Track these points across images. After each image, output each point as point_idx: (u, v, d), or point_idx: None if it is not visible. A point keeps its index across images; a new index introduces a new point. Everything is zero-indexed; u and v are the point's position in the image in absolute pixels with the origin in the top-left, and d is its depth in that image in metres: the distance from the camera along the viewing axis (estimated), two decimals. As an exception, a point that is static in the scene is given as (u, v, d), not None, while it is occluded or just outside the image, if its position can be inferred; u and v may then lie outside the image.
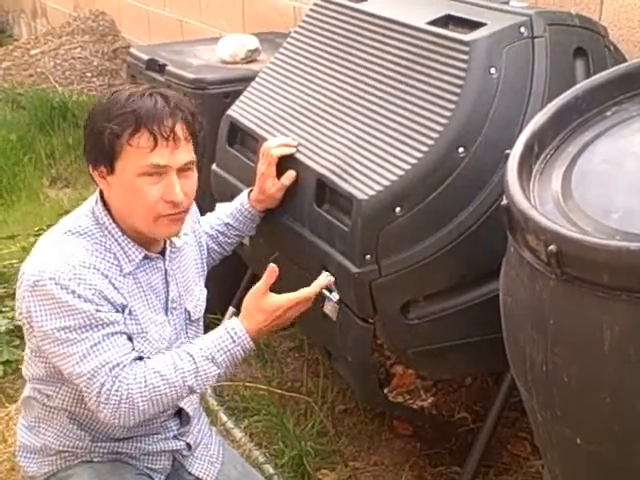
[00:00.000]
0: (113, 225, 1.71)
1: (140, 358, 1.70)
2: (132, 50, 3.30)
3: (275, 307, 1.75)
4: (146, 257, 1.75)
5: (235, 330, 1.71)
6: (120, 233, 1.72)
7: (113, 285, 1.67)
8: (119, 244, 1.71)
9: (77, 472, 1.78)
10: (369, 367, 2.19)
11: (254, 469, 2.07)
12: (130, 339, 1.70)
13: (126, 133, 1.63)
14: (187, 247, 1.89)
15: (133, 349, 1.69)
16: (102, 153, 1.66)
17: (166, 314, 1.80)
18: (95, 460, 1.80)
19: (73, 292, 1.61)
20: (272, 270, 1.77)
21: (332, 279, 1.92)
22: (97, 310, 1.63)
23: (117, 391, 1.63)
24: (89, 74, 5.67)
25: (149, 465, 1.85)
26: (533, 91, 1.91)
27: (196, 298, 1.89)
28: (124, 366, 1.65)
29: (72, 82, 5.64)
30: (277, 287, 2.49)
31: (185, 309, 1.85)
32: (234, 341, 1.70)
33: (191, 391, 1.70)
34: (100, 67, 5.69)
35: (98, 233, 1.71)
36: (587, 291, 1.33)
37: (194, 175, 1.74)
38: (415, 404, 2.29)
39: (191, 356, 1.68)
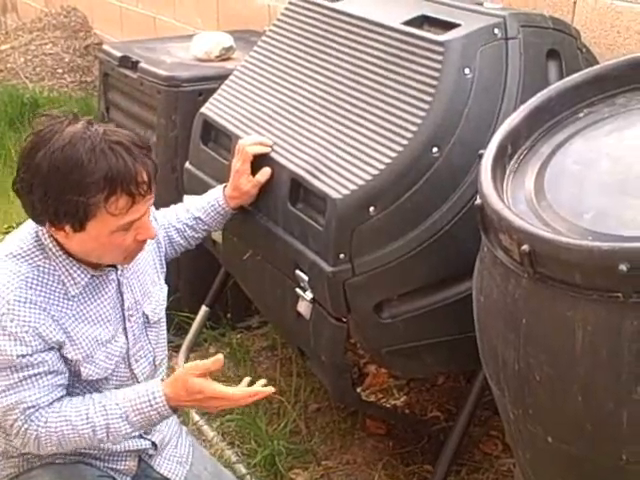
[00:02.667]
0: (57, 248, 1.64)
1: (96, 381, 1.69)
2: (105, 47, 3.27)
3: (197, 390, 1.65)
4: (92, 277, 1.70)
5: (155, 395, 1.65)
6: (64, 257, 1.65)
7: (52, 317, 1.62)
8: (64, 266, 1.65)
9: (39, 474, 1.76)
10: (342, 366, 2.19)
11: (226, 469, 2.06)
12: (60, 373, 1.66)
13: (100, 198, 1.54)
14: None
15: (59, 387, 1.66)
16: (68, 217, 1.56)
17: (123, 323, 1.76)
18: (57, 462, 1.77)
19: (3, 328, 1.57)
20: (218, 361, 1.67)
21: (270, 390, 1.71)
22: (21, 355, 1.59)
23: (27, 430, 1.63)
24: (60, 70, 5.61)
25: (113, 466, 1.82)
26: (507, 92, 1.93)
27: (155, 300, 1.85)
28: (38, 408, 1.63)
29: (43, 78, 5.57)
30: (252, 286, 2.50)
31: (143, 313, 1.81)
32: (151, 405, 1.65)
33: (101, 442, 1.69)
34: (72, 64, 5.63)
35: (41, 255, 1.64)
36: (559, 291, 1.34)
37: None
38: (388, 403, 2.30)
39: (105, 410, 1.65)
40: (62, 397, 1.67)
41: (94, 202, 1.54)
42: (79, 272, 1.67)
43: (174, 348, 2.84)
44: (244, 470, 2.41)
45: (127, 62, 3.00)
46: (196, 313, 2.85)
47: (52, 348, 1.64)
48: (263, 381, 1.71)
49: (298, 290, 2.07)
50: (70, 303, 1.66)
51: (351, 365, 2.22)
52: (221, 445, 2.52)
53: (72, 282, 1.66)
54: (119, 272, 1.75)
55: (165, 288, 1.91)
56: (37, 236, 1.65)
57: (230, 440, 2.56)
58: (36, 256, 1.64)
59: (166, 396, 1.65)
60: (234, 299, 2.97)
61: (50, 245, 1.65)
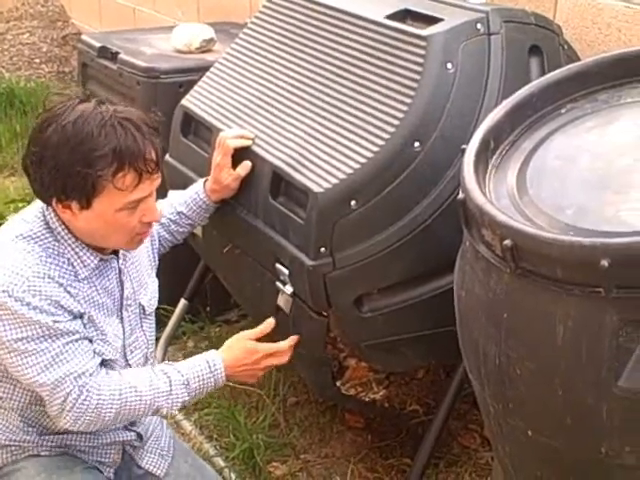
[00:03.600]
0: (66, 232, 1.66)
1: (104, 361, 1.70)
2: (84, 37, 3.23)
3: (254, 349, 1.85)
4: (101, 260, 1.71)
5: (215, 361, 1.77)
6: (73, 239, 1.66)
7: (69, 293, 1.63)
8: (73, 249, 1.66)
9: (24, 466, 1.75)
10: (322, 360, 2.19)
11: (205, 462, 2.05)
12: (91, 342, 1.68)
13: (108, 172, 1.55)
14: None
15: (96, 353, 1.68)
16: (76, 191, 1.57)
17: (121, 312, 1.77)
18: (43, 454, 1.76)
19: (29, 304, 1.57)
20: (269, 324, 1.95)
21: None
22: (54, 321, 1.60)
23: (85, 400, 1.63)
24: (37, 60, 5.55)
25: (98, 458, 1.82)
26: (489, 87, 1.93)
27: (150, 291, 1.87)
28: (90, 374, 1.64)
29: (20, 68, 5.51)
30: (231, 280, 2.49)
31: (139, 304, 1.83)
32: (211, 371, 1.76)
33: (156, 411, 1.73)
34: (49, 53, 5.57)
35: (50, 237, 1.65)
36: (541, 285, 1.35)
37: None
38: (367, 397, 2.30)
39: (168, 378, 1.72)
40: (103, 361, 1.70)
41: (102, 175, 1.55)
42: (88, 254, 1.68)
43: (152, 341, 2.83)
44: (222, 463, 2.41)
45: (106, 53, 2.98)
46: (175, 306, 2.84)
47: (76, 317, 1.65)
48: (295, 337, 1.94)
49: (278, 284, 2.07)
50: (81, 285, 1.67)
51: (331, 359, 2.22)
52: (199, 439, 2.52)
53: (81, 265, 1.67)
54: (120, 261, 1.76)
55: (156, 281, 1.92)
56: (45, 219, 1.66)
57: (208, 434, 2.56)
58: (46, 238, 1.65)
59: (224, 362, 1.78)
60: (213, 292, 2.96)
61: (59, 229, 1.66)
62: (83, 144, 1.55)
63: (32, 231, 1.65)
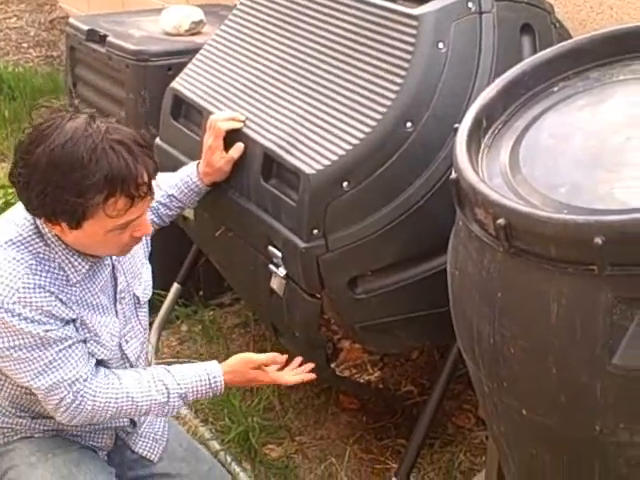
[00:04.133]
0: (56, 238, 1.62)
1: (100, 362, 1.70)
2: (71, 20, 3.20)
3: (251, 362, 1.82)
4: (92, 264, 1.69)
5: (217, 378, 1.76)
6: (63, 246, 1.63)
7: (60, 300, 1.62)
8: (64, 254, 1.63)
9: (18, 447, 1.76)
10: (316, 342, 2.19)
11: (200, 446, 2.05)
12: (85, 342, 1.68)
13: (99, 199, 1.51)
14: None
15: (92, 355, 1.68)
16: (65, 215, 1.53)
17: (115, 305, 1.76)
18: (36, 435, 1.77)
19: (19, 315, 1.56)
20: (280, 358, 1.85)
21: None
22: (46, 330, 1.59)
23: (79, 406, 1.64)
24: (25, 45, 5.51)
25: (91, 442, 1.82)
26: (480, 66, 1.92)
27: (144, 280, 1.85)
28: (85, 379, 1.64)
29: (7, 53, 5.47)
30: (224, 263, 2.48)
31: (134, 294, 1.81)
32: (211, 387, 1.76)
33: (150, 415, 1.76)
34: (37, 38, 5.53)
35: (40, 242, 1.61)
36: (535, 264, 1.35)
37: None
38: (362, 378, 2.30)
39: (167, 389, 1.72)
40: (98, 366, 1.70)
41: (92, 204, 1.51)
42: (79, 260, 1.65)
43: (146, 326, 2.82)
44: (218, 446, 2.41)
45: (95, 36, 2.95)
46: (168, 290, 2.83)
47: (69, 322, 1.64)
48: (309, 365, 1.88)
49: (271, 266, 2.06)
50: (73, 289, 1.65)
51: (325, 341, 2.22)
52: (194, 422, 2.52)
53: (73, 270, 1.64)
54: (114, 257, 1.74)
55: (150, 269, 1.90)
56: (35, 223, 1.62)
57: (204, 417, 2.56)
58: (36, 243, 1.61)
59: (224, 377, 1.77)
60: (206, 276, 2.95)
61: (49, 234, 1.62)
62: (73, 171, 1.49)
63: (22, 236, 1.61)
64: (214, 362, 1.81)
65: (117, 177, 1.50)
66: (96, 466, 1.77)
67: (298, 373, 1.87)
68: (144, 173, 1.55)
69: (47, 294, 1.59)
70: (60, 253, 1.63)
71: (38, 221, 1.62)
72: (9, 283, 1.56)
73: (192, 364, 1.83)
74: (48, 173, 1.50)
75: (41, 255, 1.61)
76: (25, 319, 1.56)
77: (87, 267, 1.67)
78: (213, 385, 1.76)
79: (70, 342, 1.63)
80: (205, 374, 1.76)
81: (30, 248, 1.60)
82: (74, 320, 1.65)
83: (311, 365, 1.89)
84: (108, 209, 1.53)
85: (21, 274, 1.57)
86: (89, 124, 1.54)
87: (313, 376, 1.88)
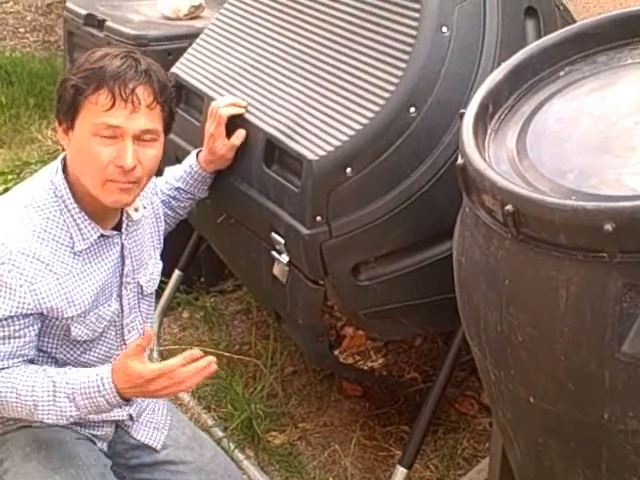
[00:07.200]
0: (71, 199, 1.66)
1: (83, 342, 1.70)
2: (69, 4, 3.17)
3: (137, 375, 1.57)
4: (102, 236, 1.70)
5: (104, 381, 1.59)
6: (78, 209, 1.66)
7: (54, 274, 1.62)
8: (74, 220, 1.66)
9: (14, 436, 1.74)
10: (319, 329, 2.18)
11: (203, 433, 2.04)
12: (28, 343, 1.64)
13: (88, 89, 1.60)
14: (144, 220, 1.84)
15: (20, 356, 1.64)
16: (65, 107, 1.63)
17: (119, 289, 1.76)
18: (34, 426, 1.75)
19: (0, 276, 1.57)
20: (147, 336, 1.62)
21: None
22: (7, 307, 1.58)
23: None
24: (22, 29, 5.47)
25: (91, 431, 1.81)
26: (484, 50, 1.89)
27: (149, 272, 1.85)
28: None
29: (4, 38, 5.43)
30: (226, 250, 2.46)
31: (138, 283, 1.81)
32: (99, 391, 1.59)
33: (45, 419, 1.63)
34: (34, 22, 5.49)
35: (54, 207, 1.65)
36: (543, 251, 1.33)
37: (156, 146, 1.69)
38: (365, 365, 2.30)
39: (54, 387, 1.60)
40: (18, 364, 1.65)
41: (81, 87, 1.60)
42: (89, 228, 1.67)
43: (147, 313, 2.81)
44: (221, 434, 2.41)
45: (93, 20, 2.93)
46: (169, 277, 2.82)
47: (34, 314, 1.62)
48: (211, 358, 1.60)
49: (274, 253, 2.05)
50: (74, 260, 1.66)
51: (328, 328, 2.21)
52: (197, 409, 2.52)
53: (80, 237, 1.67)
54: (124, 236, 1.75)
55: (160, 264, 1.90)
56: (53, 185, 1.67)
57: (206, 404, 2.55)
58: (48, 208, 1.65)
59: (114, 384, 1.58)
60: (208, 263, 2.94)
61: (64, 193, 1.66)
62: (84, 62, 1.65)
63: (36, 200, 1.65)
64: (107, 367, 1.62)
65: (108, 71, 1.61)
66: (89, 458, 1.74)
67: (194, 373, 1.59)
68: (132, 81, 1.61)
69: (41, 266, 1.60)
70: (71, 219, 1.66)
71: (57, 182, 1.66)
72: (5, 242, 1.59)
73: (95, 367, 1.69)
74: (69, 70, 1.69)
75: (51, 220, 1.64)
76: (1, 281, 1.57)
77: (96, 237, 1.68)
78: (101, 388, 1.58)
79: (7, 334, 1.61)
80: (95, 375, 1.60)
81: (40, 213, 1.64)
82: (50, 310, 1.63)
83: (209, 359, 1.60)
84: (92, 98, 1.61)
85: (21, 238, 1.60)
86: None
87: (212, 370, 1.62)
